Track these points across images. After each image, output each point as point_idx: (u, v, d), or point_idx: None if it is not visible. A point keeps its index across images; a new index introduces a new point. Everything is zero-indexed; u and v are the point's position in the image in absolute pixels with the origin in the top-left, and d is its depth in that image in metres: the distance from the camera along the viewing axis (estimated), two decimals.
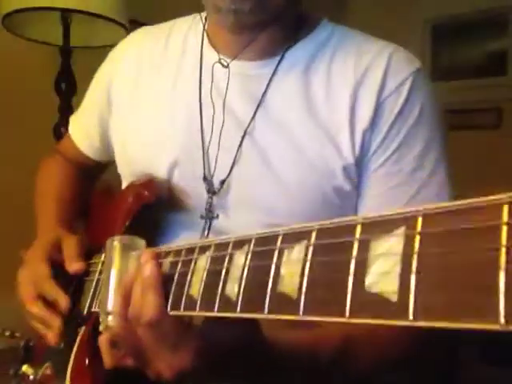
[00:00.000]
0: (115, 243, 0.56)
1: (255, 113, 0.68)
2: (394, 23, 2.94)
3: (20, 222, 0.86)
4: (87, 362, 0.65)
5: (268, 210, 0.66)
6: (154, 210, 0.71)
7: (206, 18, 0.76)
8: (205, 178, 0.69)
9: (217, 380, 0.52)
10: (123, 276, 0.53)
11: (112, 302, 0.53)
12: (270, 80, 0.69)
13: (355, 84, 0.65)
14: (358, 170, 0.65)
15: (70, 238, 0.76)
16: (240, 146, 0.68)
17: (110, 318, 0.53)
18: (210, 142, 0.70)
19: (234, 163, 0.68)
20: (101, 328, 0.55)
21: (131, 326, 0.50)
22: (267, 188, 0.66)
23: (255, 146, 0.67)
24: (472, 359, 1.96)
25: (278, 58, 0.69)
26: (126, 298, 0.50)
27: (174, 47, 0.77)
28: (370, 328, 0.60)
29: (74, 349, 0.68)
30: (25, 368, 0.74)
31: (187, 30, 0.78)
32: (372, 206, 0.65)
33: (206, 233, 0.68)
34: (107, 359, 0.55)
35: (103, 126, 0.83)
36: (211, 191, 0.68)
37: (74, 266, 0.72)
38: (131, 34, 0.85)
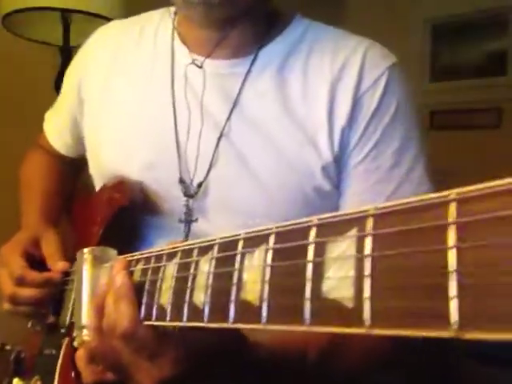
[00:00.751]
0: (86, 256, 0.55)
1: (231, 113, 0.67)
2: (394, 23, 2.93)
3: (18, 221, 0.86)
4: (73, 374, 0.64)
5: (247, 212, 0.64)
6: (129, 213, 0.69)
7: (175, 13, 0.74)
8: (181, 181, 0.67)
9: None
10: (95, 289, 0.52)
11: (86, 315, 0.52)
12: (245, 79, 0.67)
13: (332, 81, 0.65)
14: (337, 168, 0.65)
15: (50, 236, 0.74)
16: (216, 147, 0.66)
17: (85, 331, 0.52)
18: (186, 144, 0.68)
19: (210, 165, 0.66)
20: (75, 343, 0.54)
21: (107, 338, 0.48)
22: (246, 190, 0.65)
23: (232, 147, 0.66)
24: (472, 359, 1.96)
25: (250, 58, 0.68)
26: (99, 310, 0.49)
27: (145, 43, 0.75)
28: None
29: (59, 361, 0.67)
30: (16, 381, 0.74)
31: (158, 25, 0.75)
32: (353, 203, 0.64)
33: (185, 237, 0.67)
34: (86, 375, 0.53)
35: (75, 125, 0.82)
36: (188, 194, 0.67)
37: (59, 265, 0.71)
38: (101, 28, 0.82)
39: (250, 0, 0.64)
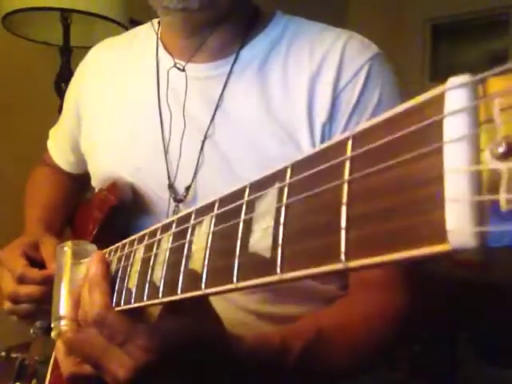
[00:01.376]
0: (65, 249, 0.55)
1: (214, 116, 0.67)
2: (394, 23, 2.94)
3: (18, 222, 0.86)
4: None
5: None
6: (121, 213, 0.70)
7: (159, 23, 0.76)
8: (170, 187, 0.68)
9: (174, 377, 0.50)
10: (74, 282, 0.53)
11: (64, 306, 0.53)
12: (227, 80, 0.68)
13: (311, 77, 0.64)
14: None
15: (48, 239, 0.75)
16: (201, 150, 0.67)
17: (63, 322, 0.52)
18: (172, 148, 0.69)
19: (197, 169, 0.67)
20: (53, 334, 0.54)
21: (82, 328, 0.49)
22: None
23: (216, 149, 0.67)
24: (472, 359, 1.96)
25: (232, 58, 0.68)
26: (76, 301, 0.50)
27: (134, 56, 0.77)
28: (343, 319, 0.60)
29: (51, 360, 0.68)
30: None
31: (144, 38, 0.77)
32: None
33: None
34: (64, 367, 0.53)
35: (77, 144, 0.83)
36: (177, 199, 0.68)
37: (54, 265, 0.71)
38: (95, 47, 0.85)
39: (229, 4, 0.64)
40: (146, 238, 0.44)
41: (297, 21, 0.71)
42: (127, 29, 1.61)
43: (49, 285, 0.71)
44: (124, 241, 0.51)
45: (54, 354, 0.67)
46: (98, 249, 0.69)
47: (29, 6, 1.44)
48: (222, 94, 0.67)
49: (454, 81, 0.20)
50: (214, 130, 0.67)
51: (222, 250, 0.31)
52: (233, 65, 0.68)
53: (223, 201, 0.33)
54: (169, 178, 0.69)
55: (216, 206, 0.33)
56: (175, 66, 0.69)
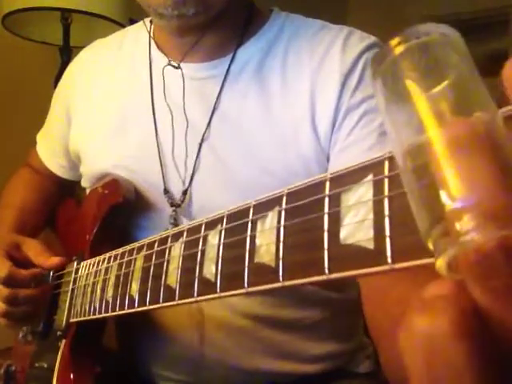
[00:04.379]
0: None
1: (211, 118, 0.65)
2: (393, 22, 2.94)
3: None
4: (72, 376, 0.63)
5: None
6: (122, 212, 0.68)
7: (151, 21, 0.74)
8: (166, 191, 0.67)
9: None
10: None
11: (459, 180, 0.18)
12: (224, 80, 0.66)
13: (312, 75, 0.63)
14: (321, 164, 0.63)
15: (30, 240, 0.73)
16: (198, 153, 0.65)
17: (467, 218, 0.18)
18: (167, 151, 0.67)
19: (193, 172, 0.65)
20: (442, 264, 0.20)
21: None
22: (228, 196, 0.64)
23: (213, 152, 0.65)
24: None
25: (228, 58, 0.67)
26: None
27: (125, 57, 0.75)
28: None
29: (57, 364, 0.66)
30: None
31: (136, 37, 0.75)
32: None
33: None
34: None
35: (66, 144, 0.81)
36: (174, 204, 0.66)
37: (50, 260, 0.70)
38: (85, 48, 0.83)
39: (224, 5, 0.62)
40: (185, 234, 0.43)
41: (294, 19, 0.70)
42: None
43: (38, 285, 0.70)
44: (147, 239, 0.50)
45: (58, 357, 0.66)
46: (99, 246, 0.68)
47: (29, 6, 1.43)
48: (219, 94, 0.66)
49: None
50: (211, 132, 0.65)
51: (301, 243, 0.32)
52: (230, 64, 0.66)
53: (292, 195, 0.33)
54: (164, 181, 0.67)
55: (284, 199, 0.34)
56: (169, 63, 0.68)
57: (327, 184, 0.30)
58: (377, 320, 0.50)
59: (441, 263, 0.19)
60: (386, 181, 0.26)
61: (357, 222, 0.27)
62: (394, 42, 0.21)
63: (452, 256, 0.19)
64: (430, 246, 0.20)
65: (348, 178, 0.29)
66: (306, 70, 0.64)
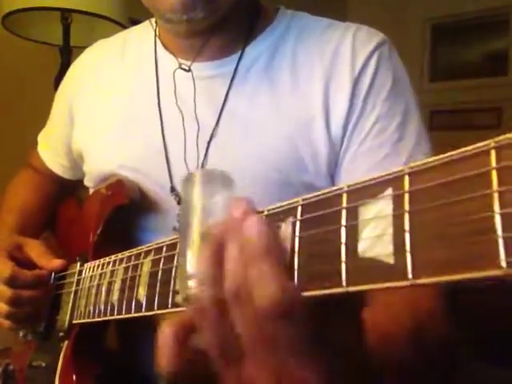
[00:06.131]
0: (195, 177, 0.38)
1: (219, 116, 0.65)
2: (394, 23, 2.94)
3: None
4: (74, 377, 0.63)
5: None
6: (126, 213, 0.68)
7: (157, 22, 0.73)
8: (172, 190, 0.66)
9: None
10: (206, 223, 0.36)
11: (194, 260, 0.35)
12: (232, 78, 0.66)
13: (324, 72, 0.63)
14: (332, 161, 0.63)
15: (32, 241, 0.73)
16: (206, 152, 0.65)
17: (191, 282, 0.34)
18: (174, 150, 0.67)
19: None
20: (179, 299, 0.38)
21: (226, 296, 0.32)
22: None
23: (221, 150, 0.65)
24: (471, 359, 1.96)
25: (236, 56, 0.66)
26: (217, 253, 0.33)
27: (129, 56, 0.75)
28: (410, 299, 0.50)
29: (59, 365, 0.66)
30: None
31: (141, 38, 0.75)
32: None
33: None
34: (172, 355, 0.35)
35: (68, 144, 0.81)
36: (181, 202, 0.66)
37: (53, 262, 0.70)
38: (88, 49, 0.83)
39: (231, 5, 0.62)
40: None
41: (301, 16, 0.70)
42: (127, 29, 1.60)
43: (41, 285, 0.70)
44: (153, 244, 0.49)
45: (60, 358, 0.66)
46: (103, 247, 0.69)
47: (29, 6, 1.43)
48: (227, 92, 0.66)
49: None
50: (220, 131, 0.65)
51: (316, 254, 0.33)
52: (238, 63, 0.66)
53: (308, 205, 0.34)
54: (170, 180, 0.67)
55: (299, 210, 0.34)
56: (180, 67, 0.67)
57: (344, 196, 0.30)
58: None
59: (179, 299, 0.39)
60: (407, 196, 0.27)
61: (375, 236, 0.28)
62: None
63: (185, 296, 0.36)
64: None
65: (366, 191, 0.29)
66: (317, 70, 0.64)
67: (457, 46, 3.19)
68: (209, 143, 0.65)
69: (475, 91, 3.00)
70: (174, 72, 0.68)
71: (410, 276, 0.26)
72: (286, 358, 0.31)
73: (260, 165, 0.64)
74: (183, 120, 0.67)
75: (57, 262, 0.70)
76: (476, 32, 3.09)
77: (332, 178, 0.64)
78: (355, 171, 0.62)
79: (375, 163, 0.61)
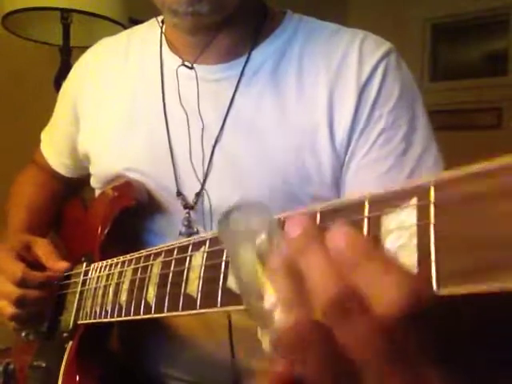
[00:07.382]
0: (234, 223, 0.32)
1: (225, 120, 0.65)
2: (394, 23, 2.94)
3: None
4: (78, 378, 0.63)
5: None
6: (133, 215, 0.67)
7: (163, 21, 0.73)
8: (178, 194, 0.66)
9: None
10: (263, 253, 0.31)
11: (267, 292, 0.30)
12: (238, 82, 0.65)
13: (330, 79, 0.63)
14: (337, 170, 0.62)
15: (40, 240, 0.73)
16: (212, 155, 0.65)
17: (277, 315, 0.29)
18: (180, 153, 0.67)
19: (207, 174, 0.65)
20: (267, 343, 0.31)
21: (323, 315, 0.27)
22: (241, 197, 0.63)
23: (227, 154, 0.65)
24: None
25: (243, 59, 0.66)
26: (295, 276, 0.29)
27: (133, 56, 0.74)
28: None
29: (63, 366, 0.65)
30: None
31: (145, 37, 0.75)
32: None
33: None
34: None
35: (74, 147, 0.81)
36: (188, 206, 0.66)
37: (59, 264, 0.69)
38: (92, 48, 0.82)
39: (237, 4, 0.62)
40: (207, 243, 0.43)
41: (308, 21, 0.69)
42: (127, 28, 1.60)
43: (50, 287, 0.70)
44: (165, 246, 0.49)
45: (64, 359, 0.65)
46: (109, 248, 0.68)
47: (29, 6, 1.43)
48: (233, 96, 0.65)
49: None
50: (225, 134, 0.65)
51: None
52: (244, 66, 0.66)
53: (327, 213, 0.33)
54: (177, 184, 0.67)
55: (318, 216, 0.33)
56: (183, 64, 0.67)
57: (366, 205, 0.30)
58: None
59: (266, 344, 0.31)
60: (432, 206, 0.26)
61: (399, 246, 0.27)
62: None
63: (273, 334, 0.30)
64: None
65: (388, 201, 0.28)
66: (323, 77, 0.64)
67: (457, 46, 3.19)
68: (214, 146, 0.65)
69: (475, 91, 3.00)
70: (177, 69, 0.68)
71: (434, 286, 0.26)
72: (421, 368, 0.27)
73: (265, 170, 0.63)
74: (188, 119, 0.67)
75: (63, 265, 0.70)
76: (476, 32, 3.09)
77: (338, 188, 0.64)
78: (359, 182, 0.62)
79: (378, 175, 0.60)
